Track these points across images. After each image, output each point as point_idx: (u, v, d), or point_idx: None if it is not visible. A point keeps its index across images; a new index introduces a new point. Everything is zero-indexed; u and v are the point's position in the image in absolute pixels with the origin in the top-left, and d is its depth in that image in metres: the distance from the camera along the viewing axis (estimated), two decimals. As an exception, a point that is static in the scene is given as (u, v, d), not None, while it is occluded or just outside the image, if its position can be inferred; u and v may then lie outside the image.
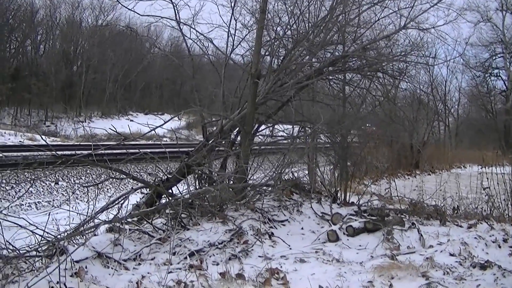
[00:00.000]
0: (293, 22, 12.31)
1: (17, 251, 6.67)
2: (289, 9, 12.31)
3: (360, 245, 8.30)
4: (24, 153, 22.24)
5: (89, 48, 71.27)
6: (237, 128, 11.61)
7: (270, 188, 10.49)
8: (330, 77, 12.71)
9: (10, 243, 6.74)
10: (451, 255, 7.24)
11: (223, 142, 11.19)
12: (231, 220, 8.32)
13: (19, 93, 59.02)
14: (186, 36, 12.26)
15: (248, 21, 12.89)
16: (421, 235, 8.56)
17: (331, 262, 7.30)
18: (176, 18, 11.73)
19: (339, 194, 11.98)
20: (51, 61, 66.01)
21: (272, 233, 8.48)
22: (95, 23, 73.52)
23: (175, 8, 11.63)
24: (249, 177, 10.86)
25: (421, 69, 21.83)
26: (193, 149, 11.03)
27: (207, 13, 12.82)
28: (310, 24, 12.35)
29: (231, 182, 10.42)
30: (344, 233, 8.76)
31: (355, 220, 9.22)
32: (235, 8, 12.09)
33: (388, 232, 8.56)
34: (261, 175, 11.20)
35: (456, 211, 11.16)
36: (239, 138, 11.69)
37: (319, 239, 8.63)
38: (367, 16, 12.55)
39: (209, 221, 8.30)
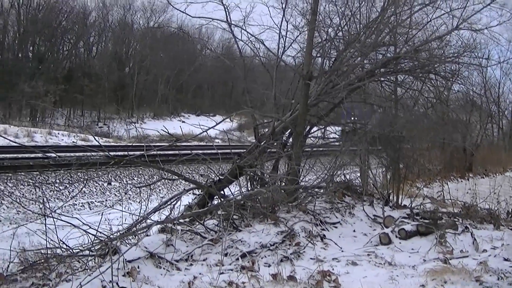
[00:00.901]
0: (344, 24, 12.27)
1: (70, 250, 6.79)
2: (340, 10, 12.27)
3: (412, 249, 8.21)
4: (77, 154, 22.56)
5: (141, 50, 72.03)
6: (289, 130, 11.61)
7: (322, 190, 10.46)
8: (382, 79, 12.61)
9: (64, 242, 6.87)
10: (506, 260, 7.10)
11: (275, 143, 11.19)
12: (283, 221, 8.32)
13: (72, 95, 60.01)
14: (237, 37, 12.29)
15: (299, 23, 12.86)
16: (475, 239, 8.46)
17: (383, 265, 7.25)
18: (227, 20, 11.77)
19: (391, 197, 11.89)
20: (103, 63, 66.92)
21: (324, 235, 8.45)
22: (147, 25, 74.23)
23: (226, 10, 11.67)
24: (301, 178, 10.85)
25: (474, 70, 21.48)
26: (245, 150, 11.06)
27: (258, 14, 12.83)
28: (361, 25, 12.29)
29: (283, 183, 10.41)
30: (396, 236, 8.68)
31: (408, 223, 9.14)
32: (286, 9, 12.07)
33: (441, 236, 8.46)
34: (313, 177, 11.18)
35: (510, 215, 11.00)
36: (291, 139, 11.68)
37: (371, 242, 8.58)
38: (418, 17, 12.43)
39: (261, 222, 8.31)
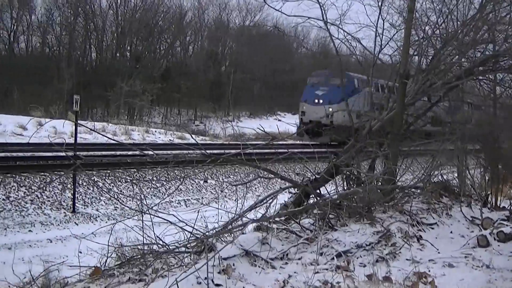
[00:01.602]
0: (441, 21, 12.13)
1: (166, 247, 6.95)
2: (437, 7, 12.15)
3: (511, 252, 8.05)
4: (174, 152, 22.92)
5: (237, 49, 72.73)
6: (386, 129, 11.54)
7: (418, 190, 10.36)
8: (480, 77, 12.38)
9: (160, 239, 7.05)
10: None
11: (372, 142, 11.15)
12: (379, 221, 8.29)
13: (169, 93, 61.14)
14: (333, 36, 12.29)
15: (396, 21, 12.79)
16: None
17: (480, 268, 7.13)
18: (323, 18, 11.76)
19: (489, 198, 11.64)
20: (200, 62, 67.88)
21: (420, 236, 8.37)
22: (242, 23, 75.05)
23: (322, 8, 11.66)
24: (397, 178, 10.77)
25: None
26: (341, 149, 11.06)
27: (354, 12, 12.81)
28: (458, 23, 12.13)
29: (379, 183, 10.36)
30: (494, 239, 8.50)
31: (507, 225, 8.93)
32: (382, 7, 12.01)
33: (542, 239, 8.26)
34: (409, 176, 11.07)
35: None
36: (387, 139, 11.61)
37: (468, 244, 8.44)
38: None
39: (356, 222, 8.29)
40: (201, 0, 76.89)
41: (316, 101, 39.04)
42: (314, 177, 10.21)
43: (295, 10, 11.98)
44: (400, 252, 7.51)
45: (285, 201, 10.15)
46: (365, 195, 8.86)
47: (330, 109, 36.13)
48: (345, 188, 10.16)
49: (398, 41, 12.54)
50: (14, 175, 16.72)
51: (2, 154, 18.97)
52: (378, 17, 11.97)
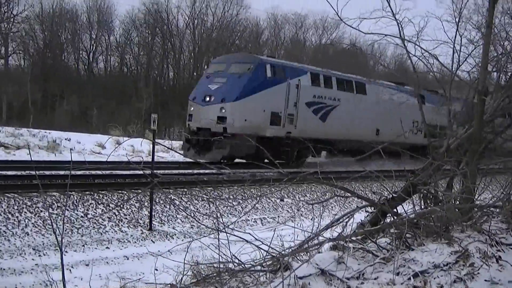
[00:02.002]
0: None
1: (242, 265, 7.02)
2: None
3: None
4: (250, 170, 23.09)
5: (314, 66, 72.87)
6: (464, 147, 11.38)
7: (498, 210, 10.15)
8: None
9: (236, 257, 7.12)
10: None
11: (450, 161, 11.01)
12: (457, 241, 8.16)
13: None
14: (410, 53, 12.21)
15: (474, 37, 12.63)
16: None
17: None
18: (400, 35, 11.71)
19: None
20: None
21: (500, 257, 8.19)
22: (319, 42, 75.08)
23: (399, 25, 11.61)
24: (476, 197, 10.59)
25: None
26: (418, 168, 10.96)
27: (431, 29, 12.70)
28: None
29: (457, 202, 10.21)
30: None
31: None
32: (459, 23, 11.88)
33: None
34: (488, 195, 10.87)
35: None
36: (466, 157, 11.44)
37: (551, 264, 8.23)
38: None
39: (434, 241, 8.19)
40: (277, 19, 77.60)
41: (208, 99, 28.17)
42: (391, 195, 10.14)
43: (372, 27, 11.96)
44: (478, 273, 7.37)
45: (361, 220, 10.11)
46: (443, 214, 8.74)
47: (224, 110, 27.19)
48: (422, 207, 10.05)
49: (476, 57, 12.37)
50: (92, 193, 17.18)
51: (81, 172, 19.44)
52: (456, 33, 11.84)
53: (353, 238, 8.11)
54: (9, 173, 19.00)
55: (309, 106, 30.13)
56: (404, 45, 11.91)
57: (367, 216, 10.21)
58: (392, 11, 11.34)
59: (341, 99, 32.11)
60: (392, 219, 8.95)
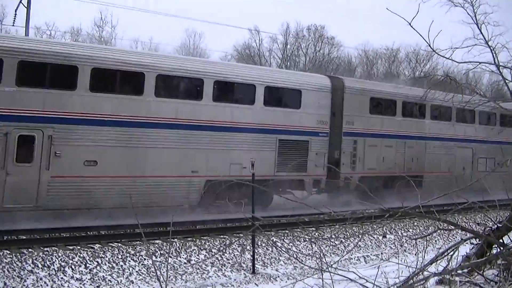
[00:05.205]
0: None
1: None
2: None
3: None
4: (352, 208, 22.93)
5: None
6: None
7: None
8: None
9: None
10: None
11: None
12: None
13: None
14: (506, 79, 11.97)
15: None
16: None
17: None
18: (494, 62, 11.53)
19: None
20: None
21: None
22: (413, 74, 74.31)
23: (493, 52, 11.43)
24: None
25: None
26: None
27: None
28: None
29: None
30: None
31: None
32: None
33: None
34: None
35: None
36: None
37: None
38: None
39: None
40: (369, 55, 77.36)
41: None
42: (496, 226, 9.86)
43: (465, 56, 11.83)
44: None
45: (466, 253, 9.86)
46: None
47: None
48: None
49: None
50: (194, 239, 17.34)
51: (182, 219, 19.66)
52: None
53: (459, 272, 7.93)
54: (112, 223, 19.38)
55: None
56: (500, 71, 11.70)
57: (472, 248, 9.94)
58: (484, 38, 11.19)
59: None
60: (498, 250, 8.69)
